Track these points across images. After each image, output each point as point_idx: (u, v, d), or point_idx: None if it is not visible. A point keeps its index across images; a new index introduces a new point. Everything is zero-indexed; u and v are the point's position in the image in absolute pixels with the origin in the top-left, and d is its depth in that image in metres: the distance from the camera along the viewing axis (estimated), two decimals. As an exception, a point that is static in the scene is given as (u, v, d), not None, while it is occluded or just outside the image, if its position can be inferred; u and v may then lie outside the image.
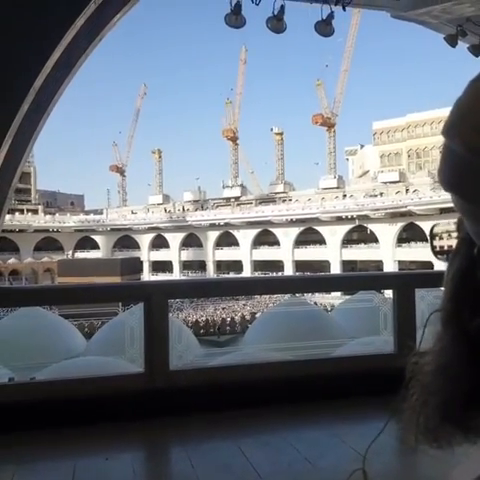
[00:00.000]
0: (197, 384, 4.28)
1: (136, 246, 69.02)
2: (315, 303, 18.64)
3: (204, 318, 26.50)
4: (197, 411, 4.00)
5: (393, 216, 54.51)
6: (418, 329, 4.52)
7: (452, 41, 9.79)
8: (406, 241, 53.86)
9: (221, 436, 3.89)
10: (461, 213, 0.59)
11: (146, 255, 68.09)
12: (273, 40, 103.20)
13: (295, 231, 60.72)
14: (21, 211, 68.78)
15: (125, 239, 70.15)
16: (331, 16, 9.48)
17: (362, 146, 79.66)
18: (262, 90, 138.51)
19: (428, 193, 50.71)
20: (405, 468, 3.45)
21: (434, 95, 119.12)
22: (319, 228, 59.17)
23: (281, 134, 75.52)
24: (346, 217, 56.94)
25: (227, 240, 65.27)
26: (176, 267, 66.85)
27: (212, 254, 65.57)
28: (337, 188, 64.60)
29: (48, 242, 68.51)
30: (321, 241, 59.24)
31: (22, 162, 6.27)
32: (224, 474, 3.31)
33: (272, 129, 76.26)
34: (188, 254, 67.96)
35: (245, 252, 63.04)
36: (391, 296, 5.01)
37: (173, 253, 67.55)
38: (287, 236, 60.88)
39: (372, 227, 56.14)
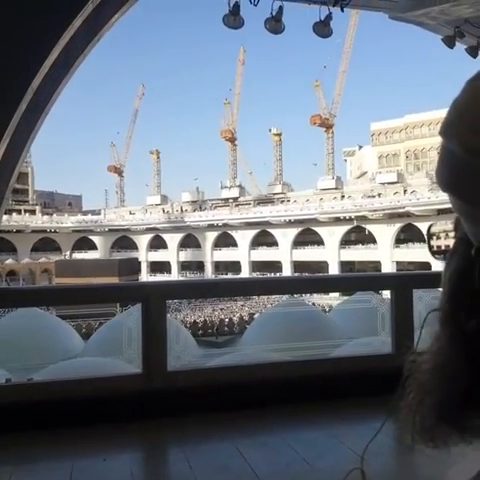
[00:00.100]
0: (195, 385, 4.28)
1: (134, 247, 68.92)
2: (313, 304, 18.68)
3: (202, 319, 26.44)
4: (195, 412, 3.99)
5: (391, 217, 54.61)
6: (416, 330, 4.51)
7: (450, 42, 9.82)
8: (404, 242, 53.94)
9: (219, 437, 3.88)
10: (459, 214, 0.59)
11: (144, 256, 68.01)
12: (271, 41, 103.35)
13: (293, 232, 60.78)
14: (19, 211, 68.64)
15: (123, 240, 70.05)
16: (329, 17, 9.52)
17: (360, 147, 79.71)
18: (260, 91, 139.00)
19: (426, 194, 50.84)
20: (403, 468, 3.45)
21: (432, 96, 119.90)
22: (317, 229, 59.25)
23: (279, 135, 75.57)
24: (344, 218, 57.04)
25: (225, 241, 65.26)
26: (174, 268, 66.80)
27: (210, 255, 65.56)
28: (335, 189, 64.69)
29: (46, 243, 68.38)
30: (319, 242, 59.30)
31: (20, 162, 6.26)
32: (222, 475, 3.30)
33: (270, 130, 76.42)
34: (186, 255, 67.93)
35: (243, 253, 63.04)
36: (389, 297, 5.00)
37: (171, 254, 67.49)
38: (285, 237, 60.92)
39: (370, 228, 56.22)
